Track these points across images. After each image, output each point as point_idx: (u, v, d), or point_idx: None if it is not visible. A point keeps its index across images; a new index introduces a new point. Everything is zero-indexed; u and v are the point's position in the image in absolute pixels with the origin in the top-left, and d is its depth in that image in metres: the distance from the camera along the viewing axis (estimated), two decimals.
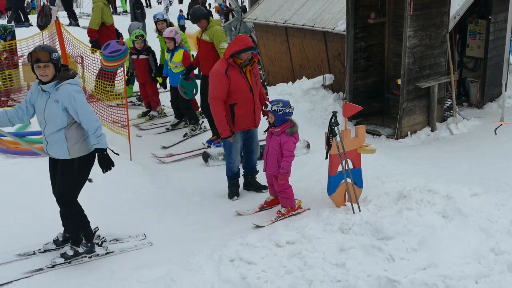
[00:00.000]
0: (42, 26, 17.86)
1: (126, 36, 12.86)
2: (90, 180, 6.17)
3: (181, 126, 11.13)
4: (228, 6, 26.57)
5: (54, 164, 6.04)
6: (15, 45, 11.83)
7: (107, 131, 9.95)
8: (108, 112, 10.20)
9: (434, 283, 5.25)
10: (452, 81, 11.05)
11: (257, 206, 7.55)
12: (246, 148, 8.06)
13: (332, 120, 6.54)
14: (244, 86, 7.56)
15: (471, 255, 5.62)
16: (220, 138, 8.39)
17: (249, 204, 7.72)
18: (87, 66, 11.28)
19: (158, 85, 11.70)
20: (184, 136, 10.64)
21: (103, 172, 6.02)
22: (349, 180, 6.82)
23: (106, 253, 6.31)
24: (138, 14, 18.89)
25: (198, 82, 10.07)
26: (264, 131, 7.36)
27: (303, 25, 12.95)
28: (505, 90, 10.95)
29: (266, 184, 7.69)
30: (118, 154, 6.24)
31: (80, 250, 6.15)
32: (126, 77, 10.05)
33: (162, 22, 11.72)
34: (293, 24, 13.23)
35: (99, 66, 10.11)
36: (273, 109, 6.99)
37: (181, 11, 31.53)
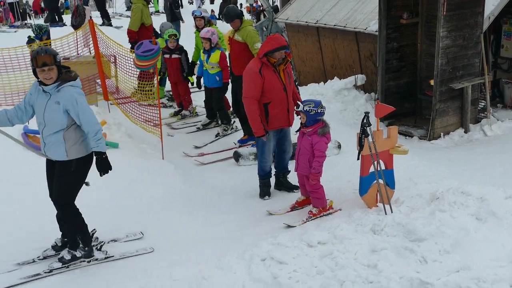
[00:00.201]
0: (76, 25, 18.10)
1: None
2: (87, 184, 6.03)
3: (212, 126, 11.19)
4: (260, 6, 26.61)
5: (51, 166, 5.99)
6: (50, 45, 12.00)
7: (139, 129, 10.08)
8: (140, 111, 10.30)
9: (468, 286, 5.18)
10: (486, 82, 10.90)
11: (288, 206, 7.55)
12: (279, 147, 8.06)
13: (365, 121, 6.52)
14: (278, 85, 7.56)
15: (505, 258, 5.54)
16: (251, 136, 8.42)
17: (280, 204, 7.73)
18: (120, 65, 11.41)
19: (190, 85, 11.78)
20: (216, 136, 10.71)
21: (100, 175, 5.95)
22: (381, 181, 6.78)
23: (105, 258, 6.26)
24: (178, 13, 19.03)
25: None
26: (296, 131, 7.35)
27: (334, 25, 12.90)
28: None
29: (298, 184, 7.68)
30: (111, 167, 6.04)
31: (78, 254, 6.10)
32: (158, 77, 10.15)
33: (200, 19, 11.83)
34: (325, 24, 13.19)
35: (132, 66, 10.20)
36: (304, 109, 6.98)
37: (212, 11, 31.66)
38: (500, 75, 12.43)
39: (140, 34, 12.86)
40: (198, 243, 6.58)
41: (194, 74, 11.65)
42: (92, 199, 6.98)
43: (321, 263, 5.67)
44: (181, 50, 11.46)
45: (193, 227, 7.16)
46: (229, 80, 10.26)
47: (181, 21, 19.52)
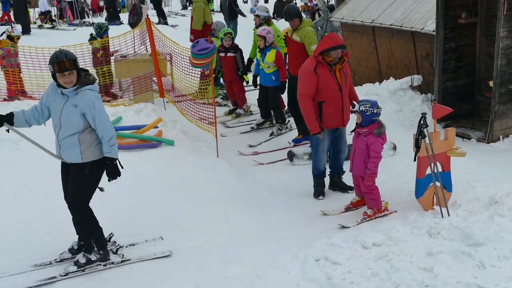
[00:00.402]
0: (133, 24, 18.46)
1: None
2: (101, 189, 6.01)
3: (266, 126, 11.22)
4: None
5: (66, 170, 5.96)
6: (107, 43, 12.26)
7: (194, 127, 10.19)
8: (195, 109, 10.41)
9: None
10: None
11: (342, 207, 7.53)
12: (334, 147, 8.04)
13: (422, 122, 6.43)
14: (333, 84, 7.53)
15: None
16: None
17: (334, 204, 7.71)
18: (176, 64, 11.55)
19: (244, 83, 11.83)
20: (270, 135, 10.75)
21: (109, 181, 5.93)
22: (438, 183, 6.68)
23: (122, 261, 6.17)
24: (238, 10, 19.16)
25: None
26: (351, 131, 7.31)
27: (390, 25, 12.76)
28: None
29: (352, 185, 7.64)
30: (123, 167, 5.99)
31: (93, 257, 6.05)
32: (213, 75, 10.23)
33: (256, 17, 11.89)
34: (381, 23, 13.05)
35: (188, 64, 10.32)
36: (360, 109, 6.94)
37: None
38: None
39: (203, 32, 13.01)
40: (252, 242, 6.61)
41: (250, 72, 11.71)
42: (149, 194, 7.09)
43: (376, 265, 5.61)
44: (236, 49, 11.52)
45: (247, 225, 7.20)
46: (286, 79, 10.26)
47: (243, 17, 19.59)
